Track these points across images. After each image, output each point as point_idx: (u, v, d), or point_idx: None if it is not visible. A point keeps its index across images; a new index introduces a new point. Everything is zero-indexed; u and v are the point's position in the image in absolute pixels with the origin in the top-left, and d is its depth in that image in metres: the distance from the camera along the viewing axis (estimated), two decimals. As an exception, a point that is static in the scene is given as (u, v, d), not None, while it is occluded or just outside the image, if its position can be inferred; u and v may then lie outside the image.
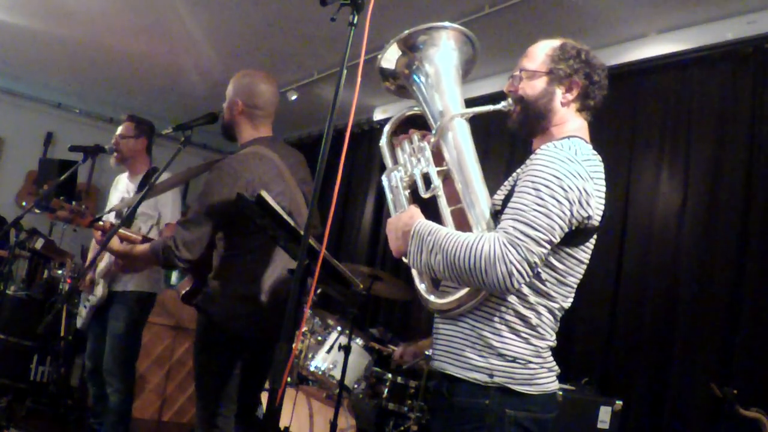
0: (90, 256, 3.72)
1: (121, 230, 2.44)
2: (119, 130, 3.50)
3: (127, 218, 2.55)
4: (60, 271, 4.56)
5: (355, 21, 1.56)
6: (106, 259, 3.25)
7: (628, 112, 3.78)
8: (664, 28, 3.60)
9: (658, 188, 3.52)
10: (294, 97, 5.31)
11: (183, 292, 2.43)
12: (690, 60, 3.51)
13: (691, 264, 3.25)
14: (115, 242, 2.40)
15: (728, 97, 3.32)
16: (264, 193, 1.88)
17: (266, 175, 2.28)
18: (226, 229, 2.28)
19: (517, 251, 1.38)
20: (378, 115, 5.66)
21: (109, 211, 3.11)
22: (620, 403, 2.86)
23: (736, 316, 3.03)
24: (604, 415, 2.81)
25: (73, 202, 2.67)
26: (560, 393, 2.61)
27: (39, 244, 4.51)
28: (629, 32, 3.71)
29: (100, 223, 2.62)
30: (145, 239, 2.47)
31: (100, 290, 3.29)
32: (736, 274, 3.07)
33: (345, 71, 1.55)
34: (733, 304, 3.06)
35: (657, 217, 3.48)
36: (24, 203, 6.51)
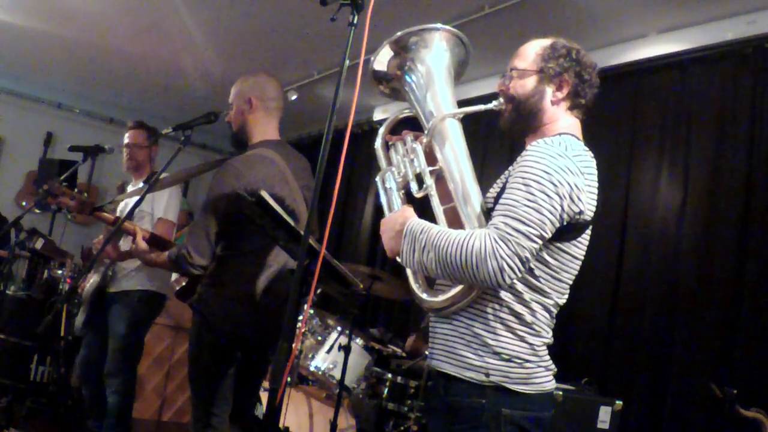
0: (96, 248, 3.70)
1: (126, 224, 2.47)
2: (129, 138, 3.48)
3: (129, 214, 2.55)
4: (60, 271, 4.56)
5: (355, 21, 1.56)
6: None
7: (628, 112, 3.78)
8: (664, 28, 3.60)
9: (658, 188, 3.52)
10: (294, 97, 5.32)
11: (177, 288, 2.44)
12: (690, 60, 3.51)
13: (691, 264, 3.25)
14: (143, 246, 2.40)
15: (728, 97, 3.32)
16: (264, 193, 1.88)
17: (270, 178, 2.29)
18: (225, 230, 2.29)
19: (507, 246, 1.39)
20: (378, 115, 5.66)
21: (110, 203, 3.11)
22: (620, 403, 2.86)
23: (736, 316, 3.03)
24: (604, 415, 2.81)
25: (75, 190, 2.68)
26: (560, 393, 2.61)
27: (39, 244, 4.50)
28: (629, 32, 3.72)
29: (103, 213, 2.63)
30: (154, 236, 2.48)
31: (89, 284, 3.27)
32: (736, 274, 3.07)
33: (345, 71, 1.55)
34: (733, 304, 3.06)
35: (657, 217, 3.48)
36: (24, 203, 6.55)
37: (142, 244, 2.39)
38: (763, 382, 2.84)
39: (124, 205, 3.46)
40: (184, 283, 2.43)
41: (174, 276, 5.20)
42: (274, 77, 2.52)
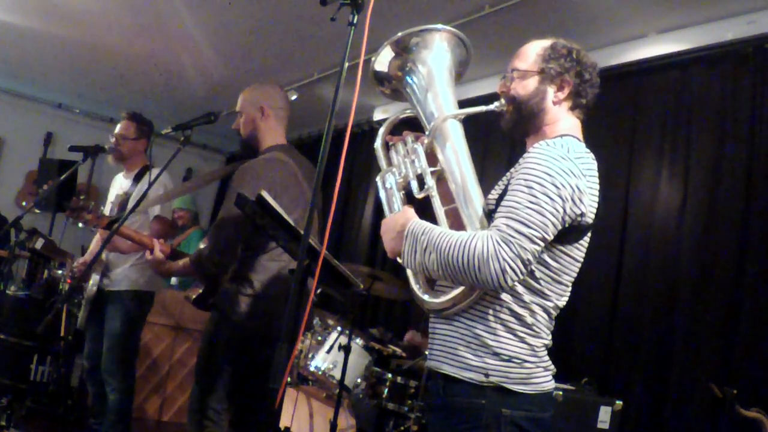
0: (92, 248, 3.72)
1: (133, 232, 2.52)
2: (119, 128, 3.50)
3: (125, 217, 2.56)
4: (60, 271, 4.56)
5: (355, 21, 1.56)
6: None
7: (628, 112, 3.78)
8: (664, 28, 3.60)
9: (658, 188, 3.52)
10: (294, 97, 5.31)
11: (194, 296, 2.45)
12: (690, 60, 3.51)
13: (691, 264, 3.25)
14: (159, 256, 2.44)
15: (728, 97, 3.32)
16: (264, 193, 1.88)
17: (285, 181, 2.34)
18: (246, 230, 2.31)
19: (510, 248, 1.39)
20: (378, 115, 5.66)
21: (128, 213, 3.15)
22: (620, 403, 2.86)
23: (736, 316, 3.03)
24: (604, 415, 2.81)
25: (92, 204, 2.72)
26: (560, 393, 2.61)
27: (39, 244, 4.50)
28: (629, 32, 3.72)
29: (143, 238, 2.67)
30: (174, 251, 2.50)
31: (91, 282, 3.29)
32: (736, 274, 3.07)
33: (345, 71, 1.55)
34: (733, 304, 3.06)
35: (657, 217, 3.48)
36: (24, 203, 6.53)
37: (160, 255, 2.42)
38: (763, 382, 2.83)
39: (116, 199, 3.47)
40: (200, 291, 2.45)
41: (174, 279, 5.22)
42: (279, 86, 2.64)
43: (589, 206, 1.50)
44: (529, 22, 3.72)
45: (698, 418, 3.03)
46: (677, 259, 3.32)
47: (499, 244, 1.39)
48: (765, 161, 3.09)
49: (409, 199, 1.70)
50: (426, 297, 1.61)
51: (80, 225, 2.74)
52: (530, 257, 1.41)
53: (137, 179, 3.43)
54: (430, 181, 1.64)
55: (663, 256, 3.39)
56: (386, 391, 3.58)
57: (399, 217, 1.61)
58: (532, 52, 1.65)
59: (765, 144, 3.11)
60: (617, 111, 3.79)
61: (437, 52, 1.73)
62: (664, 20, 3.54)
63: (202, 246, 2.34)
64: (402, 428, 3.57)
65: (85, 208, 2.69)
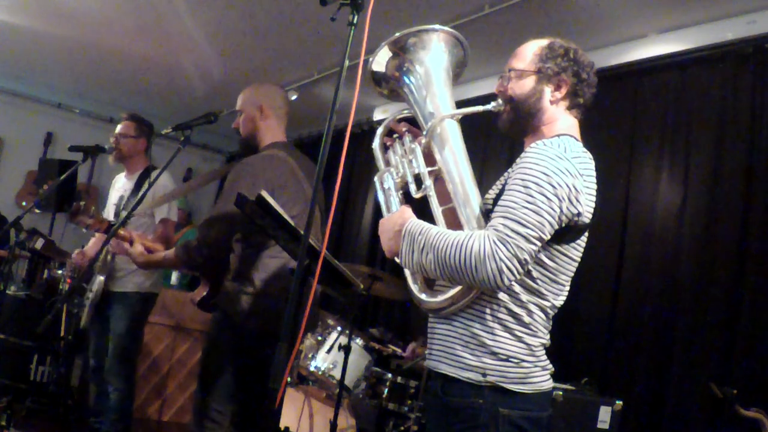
0: (90, 245, 3.72)
1: (135, 235, 2.52)
2: (119, 128, 3.52)
3: (126, 219, 2.57)
4: (60, 271, 4.56)
5: (355, 21, 1.56)
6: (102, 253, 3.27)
7: (628, 112, 3.78)
8: (664, 28, 3.60)
9: (658, 188, 3.52)
10: (294, 97, 5.32)
11: (198, 299, 2.44)
12: (690, 60, 3.51)
13: (691, 264, 3.25)
14: (138, 249, 2.44)
15: (728, 97, 3.32)
16: (264, 193, 1.88)
17: (283, 178, 2.33)
18: (244, 228, 2.30)
19: (506, 248, 1.39)
20: (378, 115, 5.66)
21: (127, 216, 3.16)
22: (620, 403, 2.86)
23: (736, 316, 3.03)
24: (604, 415, 2.81)
25: (93, 208, 2.73)
26: (560, 393, 2.61)
27: (39, 244, 4.50)
28: (629, 32, 3.72)
29: (121, 231, 2.67)
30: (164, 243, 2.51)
31: (96, 285, 3.30)
32: (736, 274, 3.07)
33: (345, 71, 1.55)
34: (733, 304, 3.06)
35: (657, 217, 3.48)
36: (24, 203, 6.55)
37: (139, 248, 2.42)
38: (763, 382, 2.83)
39: (119, 200, 3.47)
40: (205, 293, 2.44)
41: (174, 279, 5.21)
42: (278, 85, 2.67)
43: (586, 206, 1.50)
44: (529, 22, 3.71)
45: (698, 418, 3.03)
46: (677, 259, 3.32)
47: (496, 244, 1.39)
48: (765, 161, 3.09)
49: (407, 199, 1.70)
50: (424, 296, 1.61)
51: (84, 230, 2.76)
52: (527, 257, 1.41)
53: (139, 183, 3.43)
54: (428, 181, 1.64)
55: (663, 256, 3.39)
56: (386, 391, 3.58)
57: (396, 217, 1.61)
58: (530, 51, 1.65)
59: (765, 144, 3.11)
60: (617, 111, 3.79)
61: (434, 53, 1.74)
62: (664, 20, 3.54)
63: None
64: (402, 428, 3.56)
65: (86, 213, 2.70)
